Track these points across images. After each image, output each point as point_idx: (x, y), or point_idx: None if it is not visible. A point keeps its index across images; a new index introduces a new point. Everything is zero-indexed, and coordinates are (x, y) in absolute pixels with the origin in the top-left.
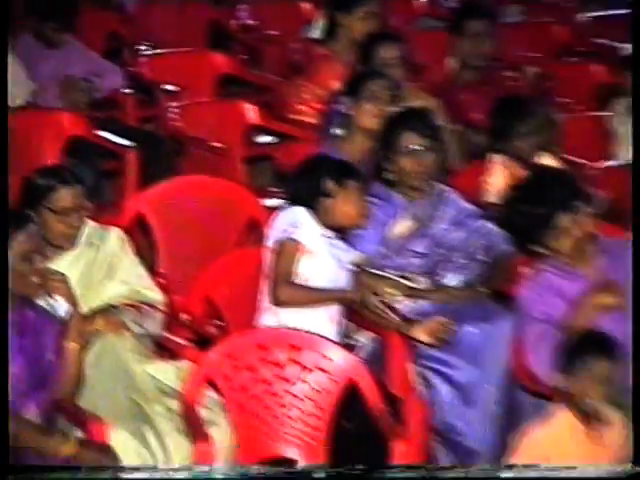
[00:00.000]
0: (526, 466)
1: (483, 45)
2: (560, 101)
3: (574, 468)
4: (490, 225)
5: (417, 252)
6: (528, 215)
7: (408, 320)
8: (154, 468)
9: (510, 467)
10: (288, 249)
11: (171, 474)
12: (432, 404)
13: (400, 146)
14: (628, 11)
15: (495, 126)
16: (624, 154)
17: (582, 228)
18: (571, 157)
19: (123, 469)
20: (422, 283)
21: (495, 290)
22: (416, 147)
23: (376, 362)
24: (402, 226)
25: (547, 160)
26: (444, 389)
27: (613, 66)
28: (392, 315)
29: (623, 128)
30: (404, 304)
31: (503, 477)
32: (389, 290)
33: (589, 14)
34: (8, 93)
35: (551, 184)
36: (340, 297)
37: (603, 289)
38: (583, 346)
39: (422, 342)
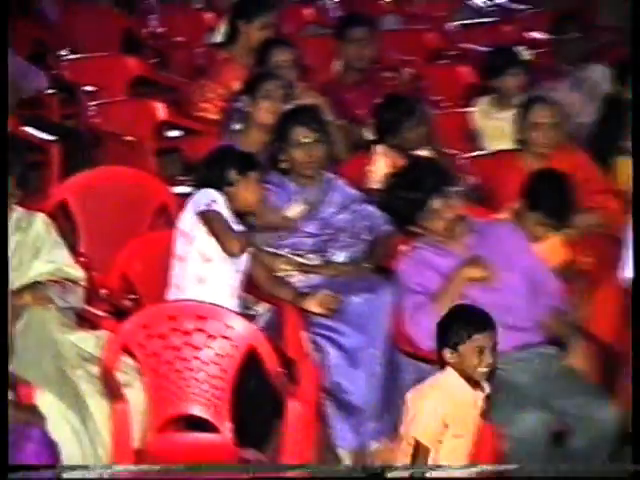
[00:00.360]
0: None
1: (365, 50)
2: (432, 99)
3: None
4: (372, 208)
5: (308, 232)
6: (406, 199)
7: (301, 293)
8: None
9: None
10: (215, 216)
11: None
12: (322, 367)
13: (292, 139)
14: (492, 19)
15: (378, 121)
16: (487, 145)
17: (452, 210)
18: (443, 148)
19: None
20: (313, 260)
21: (377, 265)
22: (306, 140)
23: (273, 330)
24: (295, 210)
25: (422, 151)
26: (333, 353)
27: (477, 68)
28: (287, 288)
29: (485, 122)
30: (297, 279)
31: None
32: (284, 266)
33: (457, 22)
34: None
35: (425, 172)
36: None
37: (471, 264)
38: (462, 321)
39: (313, 312)
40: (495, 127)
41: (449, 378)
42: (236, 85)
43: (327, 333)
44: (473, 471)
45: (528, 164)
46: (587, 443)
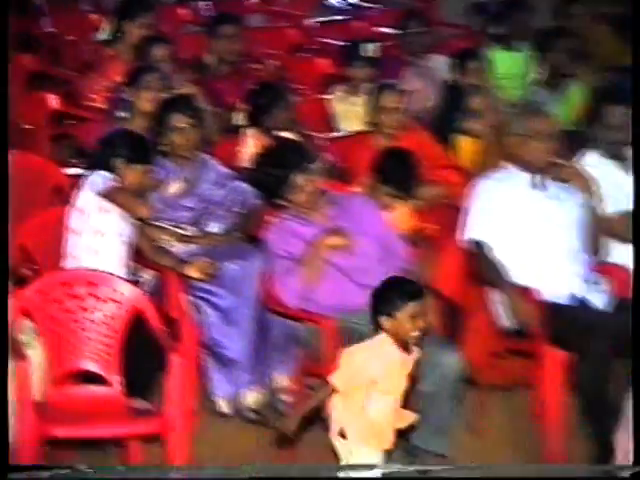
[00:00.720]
0: None
1: (234, 45)
2: (295, 88)
3: None
4: (243, 184)
5: (187, 207)
6: (272, 176)
7: (181, 260)
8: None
9: None
10: (116, 192)
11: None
12: (201, 325)
13: (170, 125)
14: (346, 17)
15: (249, 106)
16: (343, 127)
17: (313, 185)
18: (305, 130)
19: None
20: (191, 231)
21: (249, 235)
22: (182, 125)
23: (157, 294)
24: (174, 187)
25: (287, 133)
26: (210, 313)
27: (333, 60)
28: (169, 257)
29: (341, 107)
30: (178, 248)
31: None
32: (165, 237)
33: (315, 20)
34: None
35: (289, 151)
36: None
37: (332, 232)
38: (398, 290)
39: (193, 277)
40: (350, 111)
41: (383, 342)
42: (120, 78)
43: (205, 295)
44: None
45: (379, 143)
46: (435, 386)
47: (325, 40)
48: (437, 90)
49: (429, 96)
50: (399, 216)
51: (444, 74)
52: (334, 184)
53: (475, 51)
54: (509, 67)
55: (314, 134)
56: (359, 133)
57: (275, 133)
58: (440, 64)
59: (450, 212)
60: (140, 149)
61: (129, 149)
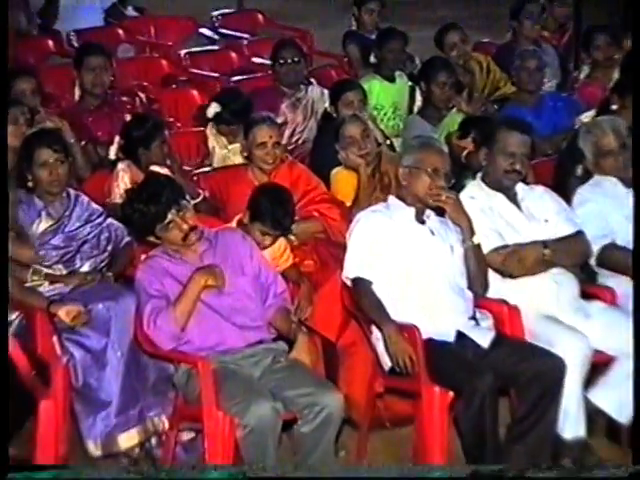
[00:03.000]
0: None
1: (102, 76)
2: (168, 120)
3: None
4: (115, 222)
5: (55, 245)
6: (144, 212)
7: (50, 301)
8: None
9: None
10: None
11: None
12: (72, 368)
13: (36, 160)
14: (220, 47)
15: (122, 140)
16: (218, 161)
17: (187, 221)
18: (179, 164)
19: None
20: (60, 270)
21: (119, 274)
22: (49, 160)
23: (25, 336)
24: (42, 225)
25: (161, 168)
26: (81, 355)
27: (205, 92)
28: (37, 297)
29: (217, 140)
30: (47, 288)
31: None
32: (34, 277)
33: (186, 50)
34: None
35: (162, 186)
36: None
37: (205, 271)
38: None
39: (62, 320)
40: (225, 145)
41: None
42: None
43: (74, 337)
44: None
45: (255, 178)
46: (314, 428)
47: (197, 71)
48: (314, 122)
49: (306, 128)
50: (275, 253)
51: (321, 105)
52: (208, 220)
53: (352, 81)
54: (387, 97)
55: (189, 168)
56: (235, 168)
57: (149, 168)
58: (317, 95)
59: (329, 248)
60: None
61: None
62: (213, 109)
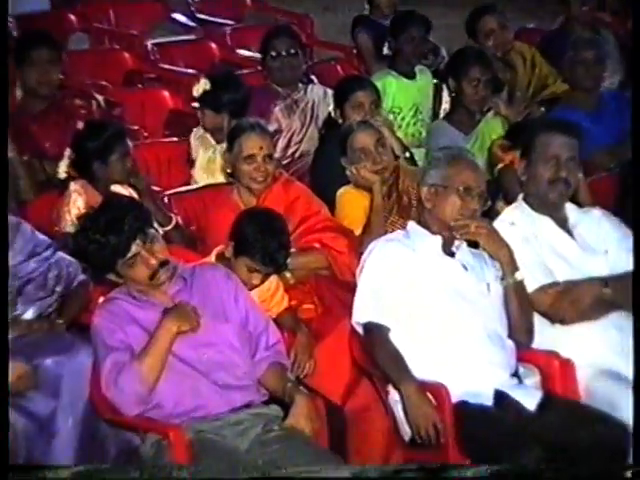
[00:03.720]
0: None
1: (49, 73)
2: (131, 128)
3: None
4: (66, 256)
5: None
6: (102, 244)
7: None
8: None
9: None
10: None
11: None
12: (14, 439)
13: None
14: (197, 37)
15: (74, 153)
16: (198, 178)
17: (155, 255)
18: (147, 183)
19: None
20: None
21: (72, 321)
22: None
23: None
24: None
25: (122, 187)
26: (24, 424)
27: (181, 93)
28: None
29: (196, 152)
30: None
31: None
32: None
33: (154, 41)
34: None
35: (125, 212)
36: None
37: (179, 316)
38: None
39: None
40: (207, 158)
41: None
42: None
43: (16, 401)
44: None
45: (241, 200)
46: None
47: (169, 67)
48: (315, 130)
49: (304, 138)
50: (266, 294)
51: (324, 109)
52: (183, 253)
53: (362, 79)
54: (407, 98)
55: (158, 189)
56: (216, 188)
57: (108, 188)
58: (318, 96)
59: (333, 288)
60: None
61: None
62: (202, 86)
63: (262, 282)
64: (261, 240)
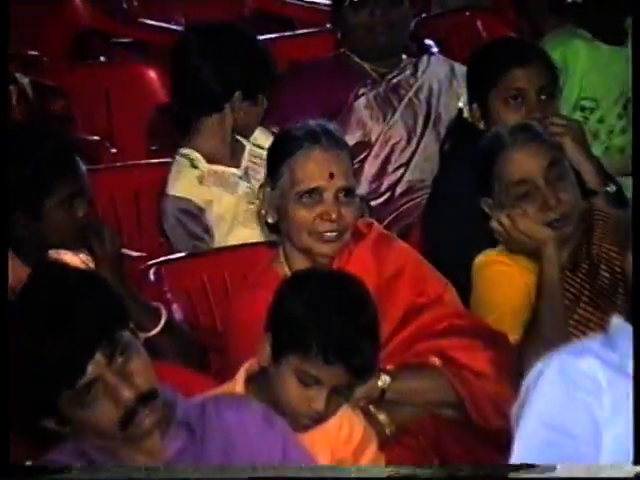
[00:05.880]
0: None
1: None
2: (86, 139)
3: None
4: None
5: None
6: (32, 361)
7: None
8: None
9: None
10: None
11: None
12: None
13: None
14: None
15: None
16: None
17: (131, 381)
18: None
19: None
20: None
21: None
22: None
23: None
24: None
25: (70, 254)
26: None
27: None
28: None
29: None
30: None
31: None
32: None
33: None
34: None
35: (75, 302)
36: None
37: None
38: None
39: None
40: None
41: None
42: None
43: None
44: None
45: (286, 264)
46: None
47: (154, 23)
48: (434, 141)
49: (414, 157)
50: (336, 439)
51: (447, 100)
52: (183, 375)
53: (525, 45)
54: (610, 79)
55: (137, 254)
56: (244, 250)
57: (46, 254)
58: (439, 78)
59: (467, 439)
60: None
61: None
62: None
63: (329, 408)
64: (320, 317)
